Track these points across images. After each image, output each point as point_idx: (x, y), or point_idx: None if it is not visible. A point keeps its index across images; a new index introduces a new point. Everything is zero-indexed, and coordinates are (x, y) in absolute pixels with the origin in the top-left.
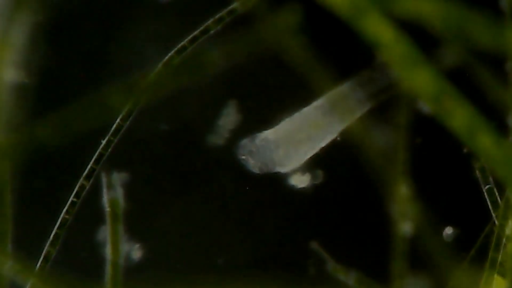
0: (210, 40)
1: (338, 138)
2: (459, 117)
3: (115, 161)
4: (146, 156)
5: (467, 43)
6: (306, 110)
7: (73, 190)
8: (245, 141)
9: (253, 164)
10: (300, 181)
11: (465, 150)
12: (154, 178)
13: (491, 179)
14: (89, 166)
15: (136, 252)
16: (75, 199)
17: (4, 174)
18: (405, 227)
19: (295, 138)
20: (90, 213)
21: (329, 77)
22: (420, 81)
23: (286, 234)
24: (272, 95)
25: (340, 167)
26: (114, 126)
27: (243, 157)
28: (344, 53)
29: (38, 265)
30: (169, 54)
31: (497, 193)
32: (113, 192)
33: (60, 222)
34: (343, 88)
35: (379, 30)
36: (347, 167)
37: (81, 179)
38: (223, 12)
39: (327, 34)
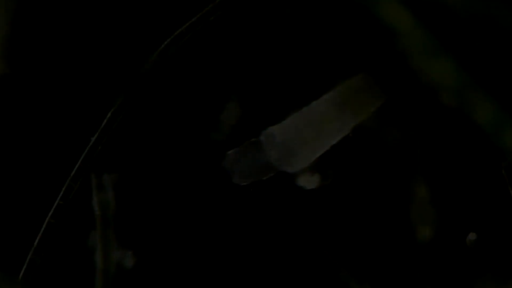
0: (209, 28)
1: (351, 135)
2: (483, 111)
3: (105, 160)
4: (140, 155)
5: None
6: (315, 104)
7: (60, 193)
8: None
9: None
10: (309, 182)
11: (490, 148)
12: (148, 180)
13: None
14: (76, 166)
15: (129, 260)
16: (61, 202)
17: None
18: (424, 232)
19: (303, 134)
20: (78, 217)
21: (341, 68)
22: (440, 72)
23: (293, 239)
24: (278, 87)
25: (353, 166)
26: (105, 122)
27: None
28: (358, 42)
29: (21, 274)
30: (165, 43)
31: None
32: (104, 195)
33: (46, 228)
34: (357, 80)
35: (397, 18)
36: (360, 166)
37: (68, 180)
38: None
39: (339, 21)
